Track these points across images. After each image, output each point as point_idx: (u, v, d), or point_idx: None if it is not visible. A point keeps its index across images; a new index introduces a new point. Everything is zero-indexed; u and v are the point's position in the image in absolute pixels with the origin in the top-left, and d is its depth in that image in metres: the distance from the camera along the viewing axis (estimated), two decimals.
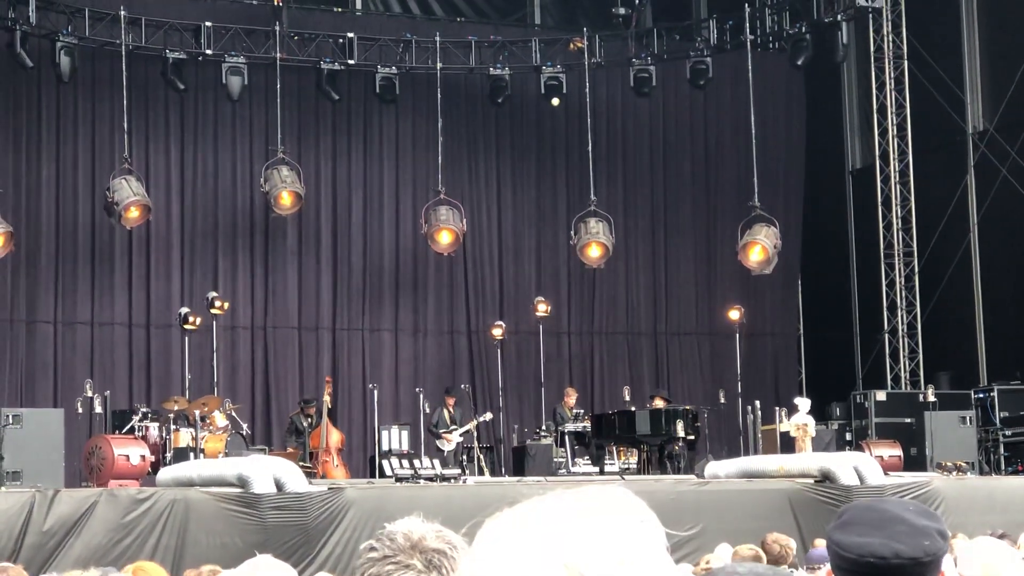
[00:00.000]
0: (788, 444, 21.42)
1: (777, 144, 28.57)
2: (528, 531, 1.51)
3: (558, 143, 28.28)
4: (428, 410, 23.07)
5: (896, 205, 26.89)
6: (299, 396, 24.70)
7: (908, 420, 23.60)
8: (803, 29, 25.91)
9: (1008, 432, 23.62)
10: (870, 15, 26.55)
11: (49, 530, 14.16)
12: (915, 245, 26.73)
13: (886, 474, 18.51)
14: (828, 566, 8.86)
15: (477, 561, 1.52)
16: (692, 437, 21.77)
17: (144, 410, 20.78)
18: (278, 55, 24.91)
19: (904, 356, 26.63)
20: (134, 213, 23.19)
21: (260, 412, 25.75)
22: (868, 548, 3.03)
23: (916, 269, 26.72)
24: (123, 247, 25.42)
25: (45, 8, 23.50)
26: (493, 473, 22.82)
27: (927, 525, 3.07)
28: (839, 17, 25.54)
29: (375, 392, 22.95)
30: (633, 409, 22.47)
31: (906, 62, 26.77)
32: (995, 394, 23.94)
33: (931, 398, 23.80)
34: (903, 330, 26.67)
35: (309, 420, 22.69)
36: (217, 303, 22.94)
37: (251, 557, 4.64)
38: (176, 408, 20.63)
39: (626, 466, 22.40)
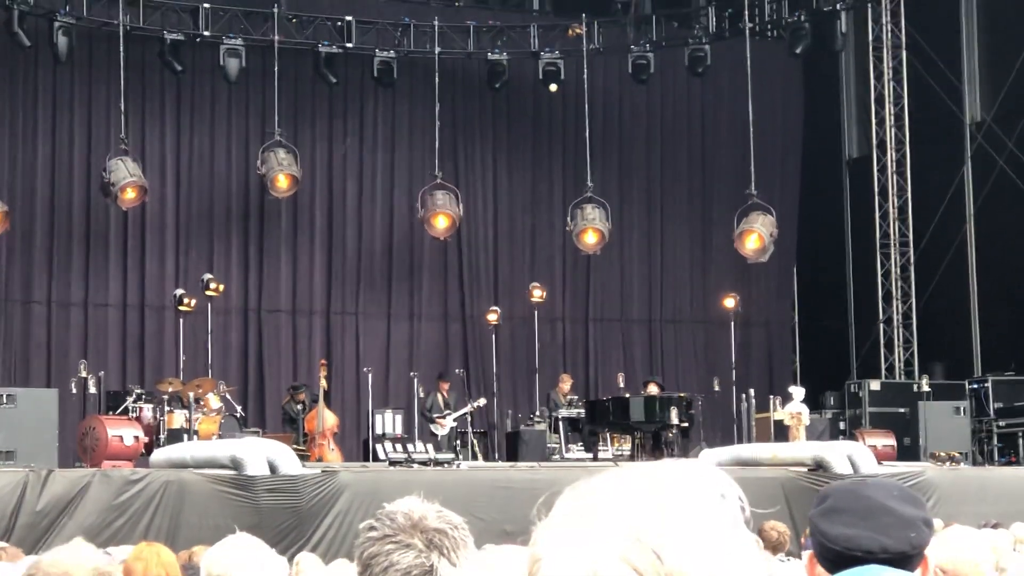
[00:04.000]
0: (782, 432, 21.45)
1: (774, 132, 28.53)
2: (602, 503, 1.49)
3: (555, 129, 28.24)
4: (422, 394, 23.07)
5: (893, 195, 26.89)
6: (292, 380, 24.70)
7: (902, 410, 23.63)
8: (802, 18, 25.88)
9: (1002, 423, 23.66)
10: (869, 4, 26.54)
11: (42, 510, 14.17)
12: (911, 235, 26.73)
13: (880, 463, 18.53)
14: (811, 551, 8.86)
15: (548, 531, 1.50)
16: (686, 424, 21.77)
17: (138, 391, 20.76)
18: (276, 37, 24.84)
19: (899, 346, 26.64)
20: (130, 194, 23.13)
21: (253, 395, 25.73)
22: (855, 542, 2.99)
23: (912, 259, 26.73)
24: (118, 228, 25.38)
25: None
26: (486, 458, 22.84)
27: (913, 515, 3.04)
28: (838, 6, 25.51)
29: (369, 376, 22.94)
30: (627, 396, 22.45)
31: (904, 52, 26.75)
32: (989, 385, 23.97)
33: (925, 388, 23.82)
34: (898, 320, 26.68)
35: (301, 406, 22.68)
36: (212, 285, 22.94)
37: None
38: (170, 390, 20.65)
39: (619, 453, 22.40)
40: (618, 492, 1.49)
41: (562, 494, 1.52)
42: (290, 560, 7.62)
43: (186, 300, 22.81)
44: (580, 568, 1.45)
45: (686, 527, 1.46)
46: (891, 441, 22.04)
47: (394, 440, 21.16)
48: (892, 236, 26.86)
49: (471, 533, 3.11)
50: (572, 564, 1.45)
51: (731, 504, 1.51)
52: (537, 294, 25.62)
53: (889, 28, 26.83)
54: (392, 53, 25.82)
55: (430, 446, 20.55)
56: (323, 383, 22.51)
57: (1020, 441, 23.18)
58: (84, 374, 20.92)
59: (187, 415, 20.01)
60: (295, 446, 19.73)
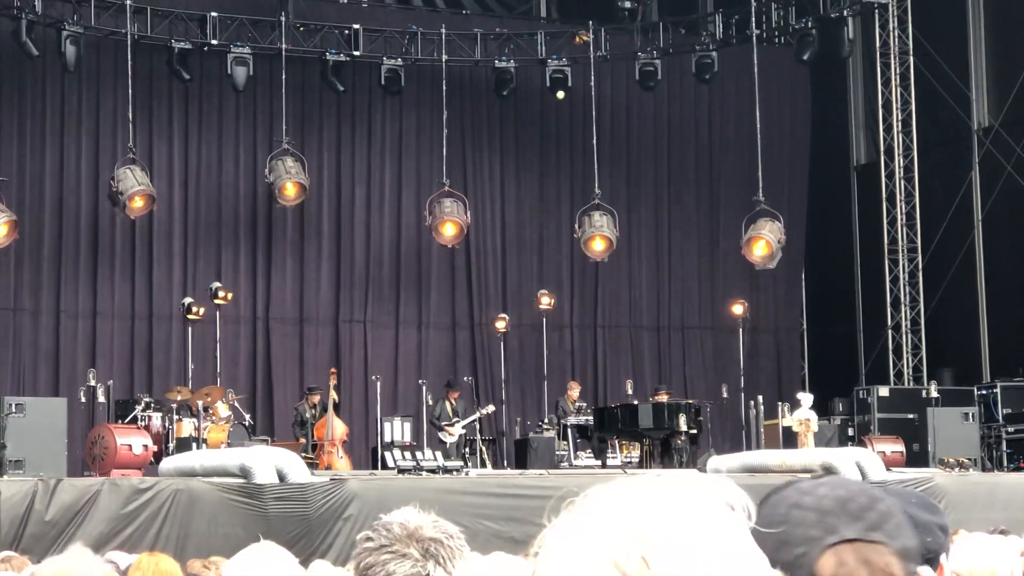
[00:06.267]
0: (790, 439, 21.45)
1: (782, 139, 28.55)
2: (605, 509, 1.52)
3: (563, 136, 28.27)
4: (431, 402, 23.09)
5: (900, 201, 26.87)
6: (300, 388, 24.72)
7: (911, 416, 23.60)
8: (809, 24, 25.90)
9: (1011, 429, 23.61)
10: (876, 10, 26.53)
11: (51, 519, 14.17)
12: (919, 241, 26.70)
13: (888, 470, 18.51)
14: None
15: (551, 535, 1.54)
16: (695, 431, 21.79)
17: (147, 400, 20.79)
18: (283, 46, 24.89)
19: (907, 352, 26.61)
20: (139, 203, 23.18)
21: (262, 403, 25.75)
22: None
23: (920, 265, 26.70)
24: (126, 237, 25.42)
25: None
26: (495, 466, 22.85)
27: (929, 520, 3.04)
28: (845, 12, 25.55)
29: (377, 384, 22.95)
30: (636, 403, 22.49)
31: (911, 58, 26.74)
32: (998, 391, 23.92)
33: (934, 394, 23.79)
34: (906, 326, 26.65)
35: (313, 410, 22.70)
36: (220, 293, 22.96)
37: None
38: (179, 398, 20.66)
39: (628, 460, 22.41)
40: (623, 499, 1.52)
41: (573, 499, 1.56)
42: None
43: (194, 308, 22.84)
44: (574, 571, 1.48)
45: (685, 536, 1.48)
46: (900, 447, 22.03)
47: (403, 448, 21.16)
48: (900, 242, 26.84)
49: (480, 541, 3.13)
50: (567, 567, 1.48)
51: (739, 516, 1.53)
52: (545, 301, 25.64)
53: (896, 34, 26.82)
54: (399, 61, 25.86)
55: (439, 454, 20.57)
56: (333, 393, 22.53)
57: None
58: (93, 383, 20.96)
59: (196, 424, 20.04)
60: (304, 454, 19.74)
